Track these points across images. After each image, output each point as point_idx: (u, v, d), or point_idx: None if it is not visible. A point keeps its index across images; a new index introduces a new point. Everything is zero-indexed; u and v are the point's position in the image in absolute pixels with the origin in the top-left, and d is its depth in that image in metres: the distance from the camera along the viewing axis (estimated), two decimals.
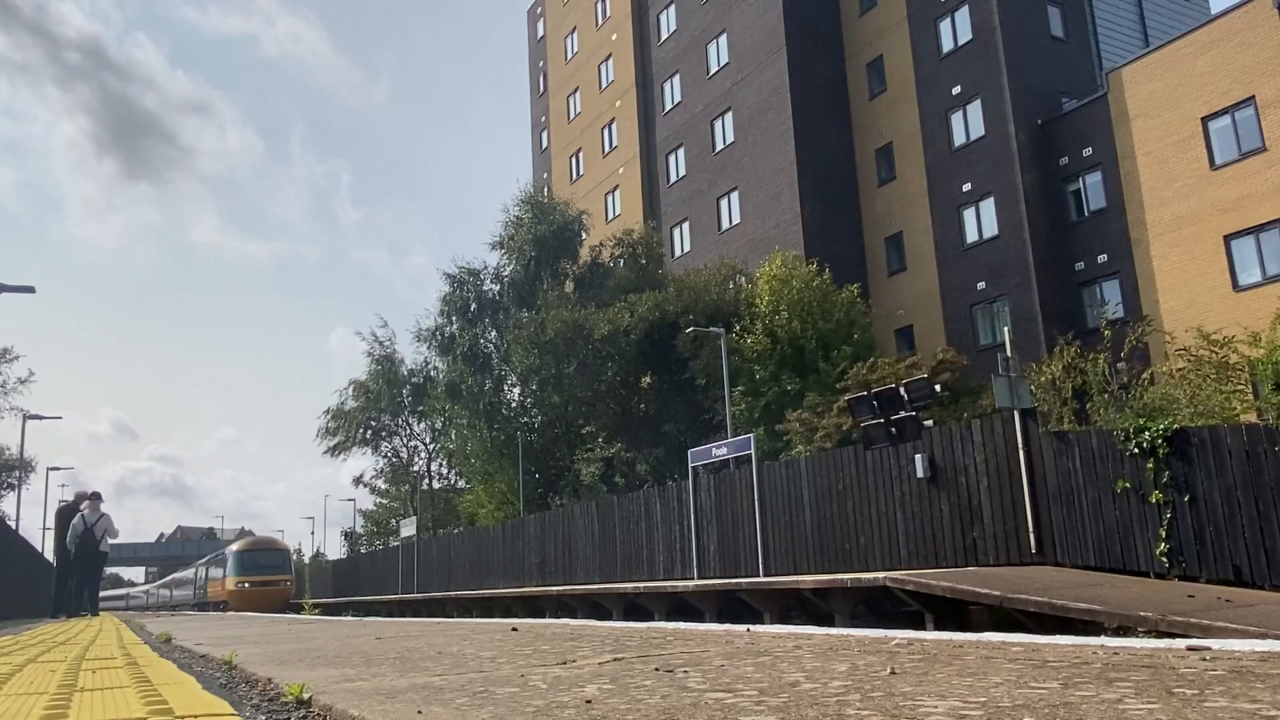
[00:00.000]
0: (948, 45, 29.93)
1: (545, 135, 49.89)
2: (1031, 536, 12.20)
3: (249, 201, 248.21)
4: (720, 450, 18.94)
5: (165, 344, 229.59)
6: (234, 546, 38.74)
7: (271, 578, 36.22)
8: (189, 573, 54.07)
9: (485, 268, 34.47)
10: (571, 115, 47.23)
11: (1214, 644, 3.22)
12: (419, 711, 2.50)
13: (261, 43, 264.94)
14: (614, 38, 43.57)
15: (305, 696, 2.96)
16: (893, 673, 2.81)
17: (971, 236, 28.74)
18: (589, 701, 2.51)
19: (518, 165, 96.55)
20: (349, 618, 15.73)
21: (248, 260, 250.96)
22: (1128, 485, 11.27)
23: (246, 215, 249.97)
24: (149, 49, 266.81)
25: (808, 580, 13.53)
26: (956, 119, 29.45)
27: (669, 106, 39.50)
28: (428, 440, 44.28)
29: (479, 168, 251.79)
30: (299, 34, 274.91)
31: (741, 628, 5.25)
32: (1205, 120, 23.58)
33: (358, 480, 50.08)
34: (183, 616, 22.75)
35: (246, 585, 35.37)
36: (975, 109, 28.75)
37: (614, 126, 43.19)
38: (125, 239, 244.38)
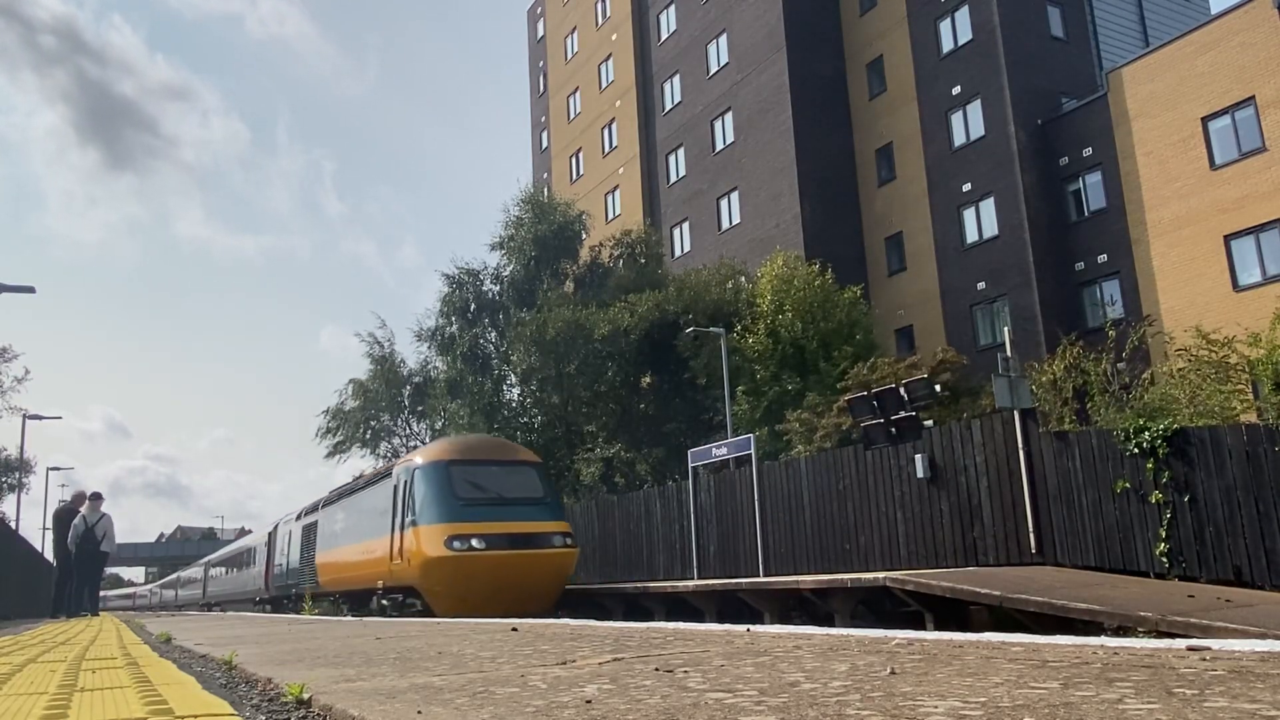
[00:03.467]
0: (948, 45, 29.93)
1: (545, 135, 49.89)
2: (1031, 536, 12.21)
3: (235, 194, 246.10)
4: (720, 450, 18.93)
5: (155, 341, 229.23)
6: (418, 458, 16.89)
7: (533, 527, 15.50)
8: (240, 555, 37.15)
9: (485, 268, 34.48)
10: (571, 115, 47.24)
11: (1214, 644, 3.22)
12: (419, 711, 2.50)
13: (244, 24, 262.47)
14: (614, 38, 43.57)
15: (305, 696, 2.96)
16: (893, 673, 2.81)
17: (971, 236, 28.74)
18: (589, 701, 2.51)
19: (517, 165, 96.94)
20: (348, 618, 15.71)
21: (235, 255, 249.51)
22: (1128, 485, 11.28)
23: (233, 208, 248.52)
24: (126, 32, 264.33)
25: (808, 580, 13.53)
26: (956, 119, 29.45)
27: (669, 106, 39.50)
28: (428, 440, 44.26)
29: (475, 165, 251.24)
30: (282, 15, 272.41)
31: (741, 628, 5.25)
32: (1205, 120, 23.58)
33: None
34: (184, 616, 22.56)
35: (476, 544, 14.82)
36: (975, 109, 28.76)
37: (614, 126, 43.19)
38: (107, 233, 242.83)
